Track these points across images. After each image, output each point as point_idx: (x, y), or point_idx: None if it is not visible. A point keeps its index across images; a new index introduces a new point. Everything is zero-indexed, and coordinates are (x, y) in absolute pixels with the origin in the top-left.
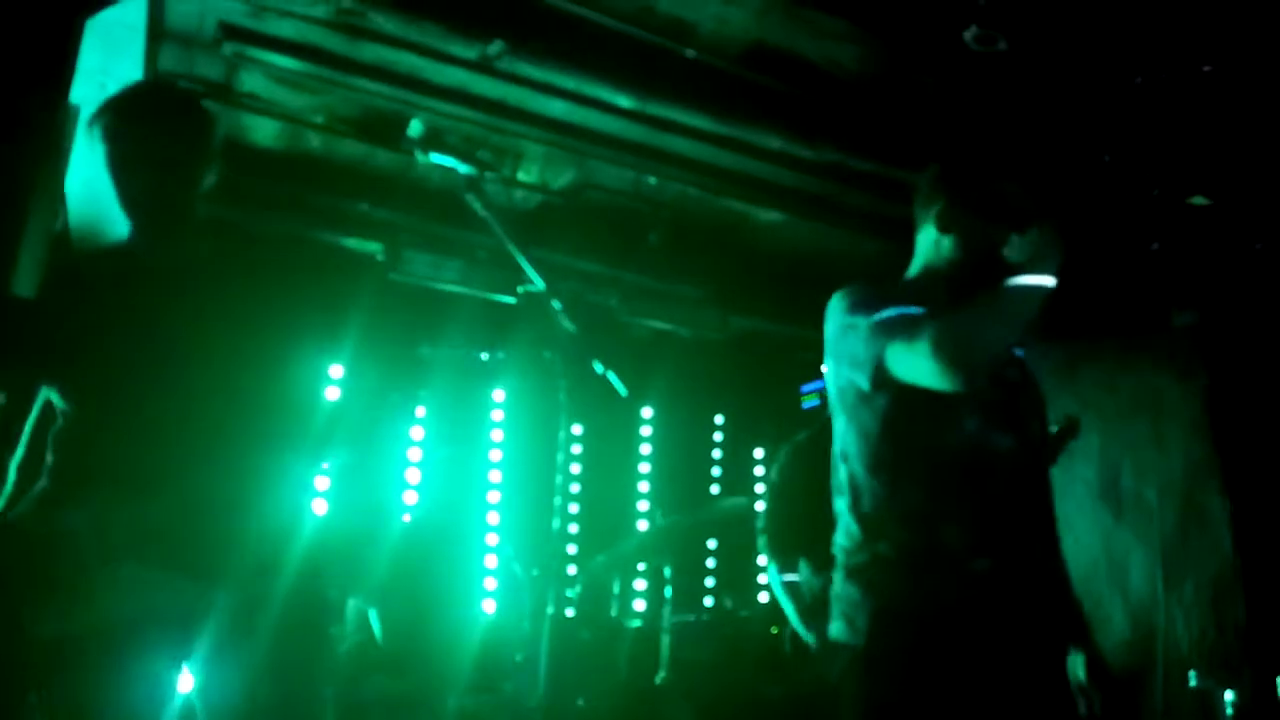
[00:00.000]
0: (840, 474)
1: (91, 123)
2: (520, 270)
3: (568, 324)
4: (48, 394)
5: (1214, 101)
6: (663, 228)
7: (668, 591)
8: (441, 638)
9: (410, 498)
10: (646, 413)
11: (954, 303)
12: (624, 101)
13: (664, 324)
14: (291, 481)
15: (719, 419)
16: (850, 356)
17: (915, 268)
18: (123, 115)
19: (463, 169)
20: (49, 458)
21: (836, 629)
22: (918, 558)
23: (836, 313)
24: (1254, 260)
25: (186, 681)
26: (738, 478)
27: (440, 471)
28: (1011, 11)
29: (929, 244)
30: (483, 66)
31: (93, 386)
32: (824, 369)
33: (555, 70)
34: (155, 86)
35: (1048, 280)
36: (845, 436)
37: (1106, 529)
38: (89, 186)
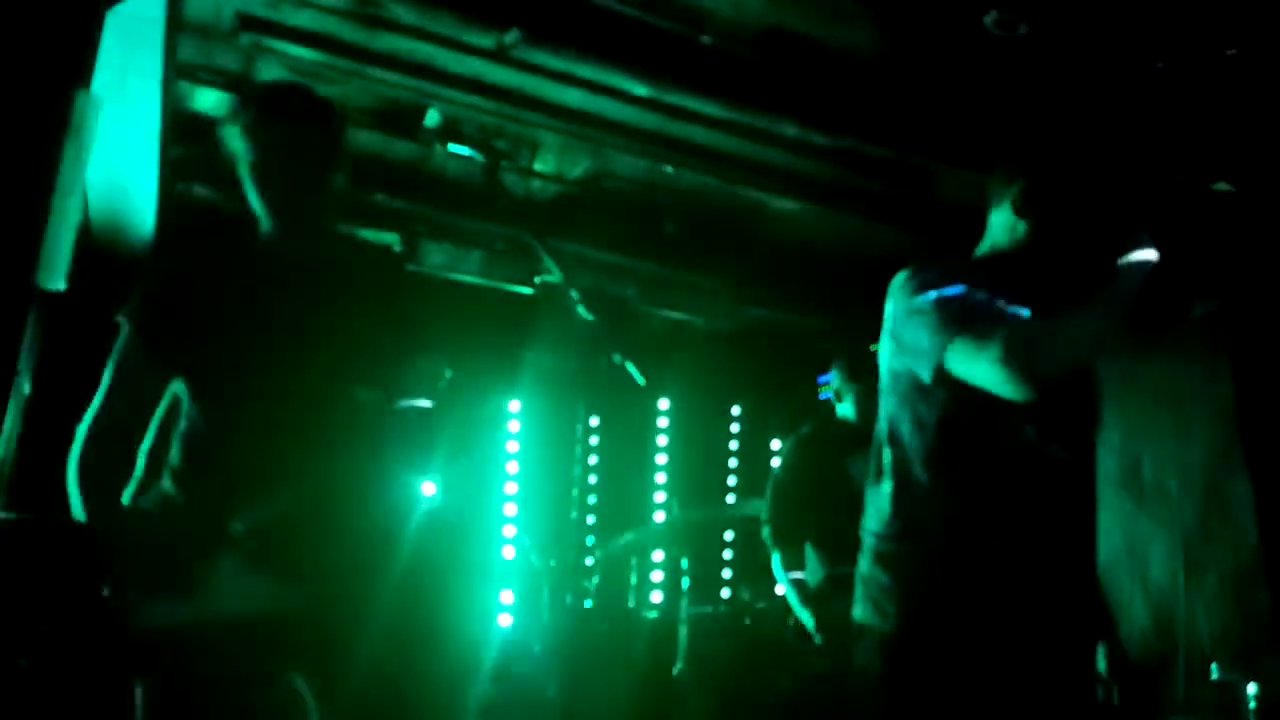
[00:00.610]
0: (885, 458)
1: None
2: (538, 261)
3: (585, 314)
4: (176, 388)
5: (1237, 86)
6: (679, 217)
7: (685, 583)
8: (459, 627)
9: (428, 488)
10: (663, 404)
11: (1024, 287)
12: (640, 90)
13: (681, 314)
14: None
15: (736, 410)
16: (913, 344)
17: (984, 248)
18: (268, 114)
19: (480, 159)
20: (172, 452)
21: (863, 612)
22: (957, 556)
23: (902, 293)
24: (1277, 247)
25: (295, 682)
26: (754, 469)
27: (458, 462)
28: None
29: (1003, 226)
30: (499, 56)
31: (220, 383)
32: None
33: (571, 59)
34: (294, 87)
35: (1151, 253)
36: (895, 422)
37: (1127, 519)
38: (110, 179)
